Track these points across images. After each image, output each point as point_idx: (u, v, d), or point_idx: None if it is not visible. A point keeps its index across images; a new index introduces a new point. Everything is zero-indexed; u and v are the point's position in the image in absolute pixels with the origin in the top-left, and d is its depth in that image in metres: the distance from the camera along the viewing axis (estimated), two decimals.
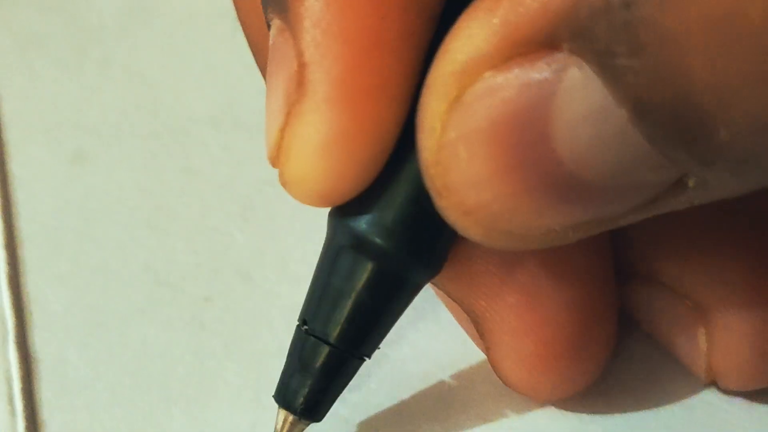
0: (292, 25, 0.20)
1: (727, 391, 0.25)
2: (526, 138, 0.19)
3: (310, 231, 0.28)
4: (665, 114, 0.17)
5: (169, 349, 0.26)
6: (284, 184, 0.21)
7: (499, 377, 0.24)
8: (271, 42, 0.21)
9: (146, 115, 0.32)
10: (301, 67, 0.20)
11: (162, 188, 0.30)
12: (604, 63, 0.17)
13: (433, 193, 0.20)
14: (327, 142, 0.20)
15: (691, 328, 0.24)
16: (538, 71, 0.18)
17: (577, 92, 0.18)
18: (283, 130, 0.21)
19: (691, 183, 0.19)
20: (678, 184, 0.19)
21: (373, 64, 0.20)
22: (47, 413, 0.24)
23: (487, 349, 0.24)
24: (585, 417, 0.24)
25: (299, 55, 0.20)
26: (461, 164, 0.19)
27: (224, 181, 0.30)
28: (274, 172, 0.30)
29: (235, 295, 0.27)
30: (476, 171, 0.19)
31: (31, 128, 0.31)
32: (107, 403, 0.25)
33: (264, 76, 0.24)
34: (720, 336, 0.24)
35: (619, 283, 0.24)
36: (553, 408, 0.25)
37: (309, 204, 0.21)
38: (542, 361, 0.23)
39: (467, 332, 0.25)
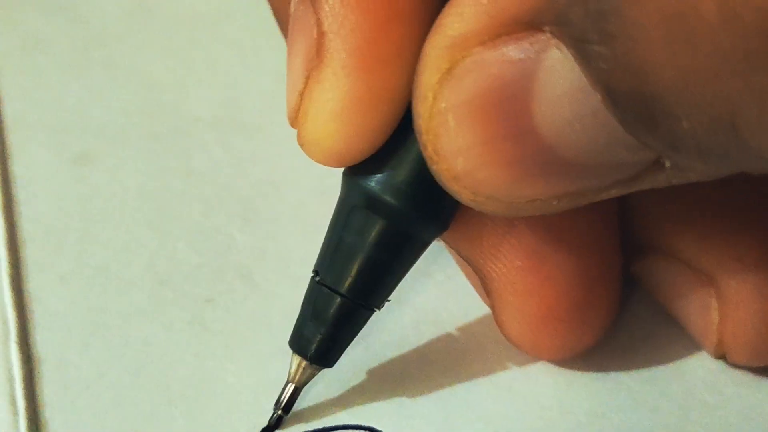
0: None
1: (735, 366, 0.25)
2: (509, 112, 0.20)
3: (310, 232, 0.28)
4: (632, 100, 0.18)
5: (170, 349, 0.26)
6: (302, 144, 0.22)
7: (503, 334, 0.25)
8: (292, 10, 0.22)
9: (148, 117, 0.32)
10: (320, 35, 0.21)
11: (163, 189, 0.30)
12: (579, 48, 0.18)
13: (426, 158, 0.21)
14: (342, 106, 0.21)
15: (703, 302, 0.25)
16: (521, 50, 0.19)
17: (557, 72, 0.19)
18: (302, 93, 0.22)
19: (667, 164, 0.19)
20: (656, 164, 0.19)
21: (388, 35, 0.21)
22: (49, 413, 0.24)
23: (492, 307, 0.25)
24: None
25: (319, 24, 0.21)
26: (449, 133, 0.20)
27: (226, 182, 0.30)
28: (276, 173, 0.30)
29: (236, 295, 0.27)
30: (462, 140, 0.20)
31: (34, 129, 0.31)
32: (108, 403, 0.25)
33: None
34: (732, 310, 0.24)
35: (634, 257, 0.25)
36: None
37: (323, 163, 0.22)
38: (544, 322, 0.24)
39: (475, 289, 0.26)
